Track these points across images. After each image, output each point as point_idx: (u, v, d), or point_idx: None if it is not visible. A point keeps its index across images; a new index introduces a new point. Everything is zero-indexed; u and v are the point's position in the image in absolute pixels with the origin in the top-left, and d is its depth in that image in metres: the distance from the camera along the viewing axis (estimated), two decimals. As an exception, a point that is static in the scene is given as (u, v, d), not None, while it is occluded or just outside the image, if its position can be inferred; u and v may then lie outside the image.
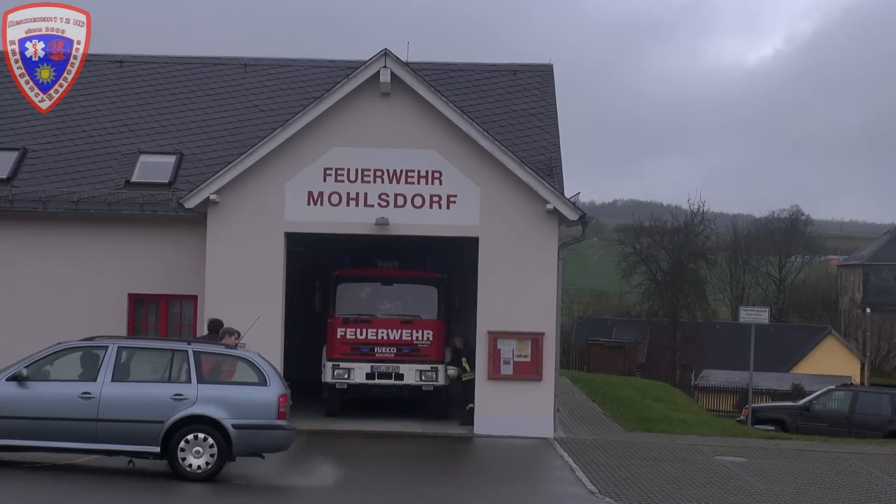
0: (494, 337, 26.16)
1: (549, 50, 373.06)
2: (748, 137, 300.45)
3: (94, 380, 17.83)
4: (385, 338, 27.42)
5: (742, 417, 37.25)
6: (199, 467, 17.69)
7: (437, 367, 27.40)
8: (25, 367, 17.96)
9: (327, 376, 27.29)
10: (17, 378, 17.81)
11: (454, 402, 28.13)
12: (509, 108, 32.04)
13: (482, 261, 26.30)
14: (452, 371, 27.28)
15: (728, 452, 25.65)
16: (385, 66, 26.01)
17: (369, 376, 27.30)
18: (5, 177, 28.67)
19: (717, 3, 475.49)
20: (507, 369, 26.13)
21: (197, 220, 26.81)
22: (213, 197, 26.06)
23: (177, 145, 30.11)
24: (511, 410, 25.86)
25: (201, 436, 17.71)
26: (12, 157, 29.29)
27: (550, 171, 28.67)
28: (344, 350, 27.38)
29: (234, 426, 17.75)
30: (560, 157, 30.02)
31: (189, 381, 17.96)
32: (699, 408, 44.08)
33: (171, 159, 29.46)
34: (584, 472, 21.30)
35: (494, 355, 26.14)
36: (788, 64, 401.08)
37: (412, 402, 28.20)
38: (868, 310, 76.26)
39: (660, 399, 37.65)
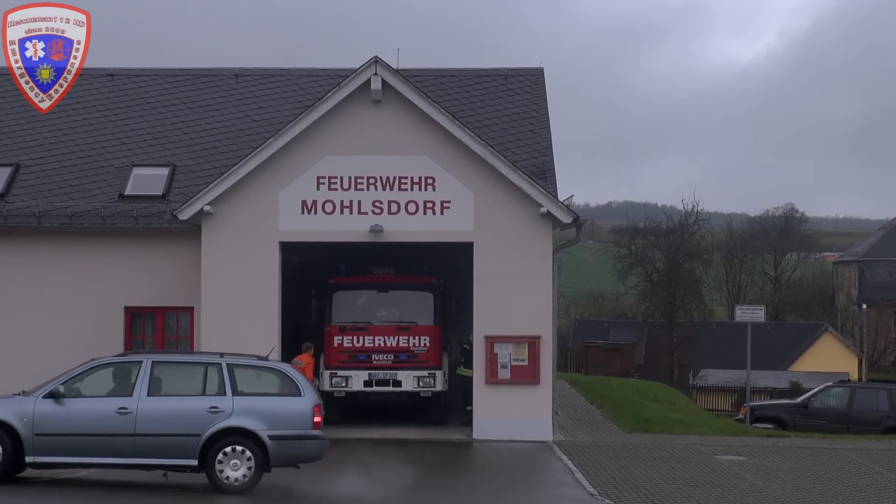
0: (491, 341, 26.18)
1: (543, 53, 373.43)
2: (741, 136, 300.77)
3: (131, 395, 17.94)
4: (382, 345, 27.46)
5: (740, 416, 37.28)
6: (237, 479, 17.75)
7: (434, 373, 27.43)
8: (62, 384, 18.02)
9: (325, 385, 27.29)
10: (53, 395, 17.90)
11: (453, 406, 28.18)
12: (501, 113, 32.09)
13: (477, 266, 26.33)
14: (467, 371, 27.23)
15: (727, 451, 25.69)
16: (376, 74, 26.06)
17: (367, 384, 27.32)
18: (-1, 193, 28.70)
19: (711, 4, 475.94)
20: (504, 373, 26.16)
21: (191, 231, 26.82)
22: (206, 208, 26.09)
23: (169, 157, 30.14)
24: (509, 414, 25.88)
25: (238, 448, 17.79)
26: (5, 172, 29.31)
27: (543, 174, 28.73)
28: (341, 358, 27.41)
29: (271, 437, 17.84)
30: (553, 161, 30.08)
31: (224, 393, 18.05)
32: (697, 408, 44.14)
33: (164, 171, 29.48)
34: (584, 474, 21.32)
35: (492, 360, 26.15)
36: (781, 60, 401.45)
37: (411, 409, 28.21)
38: (864, 306, 76.25)
39: (658, 400, 37.69)
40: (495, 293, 26.16)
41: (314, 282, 29.40)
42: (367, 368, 27.34)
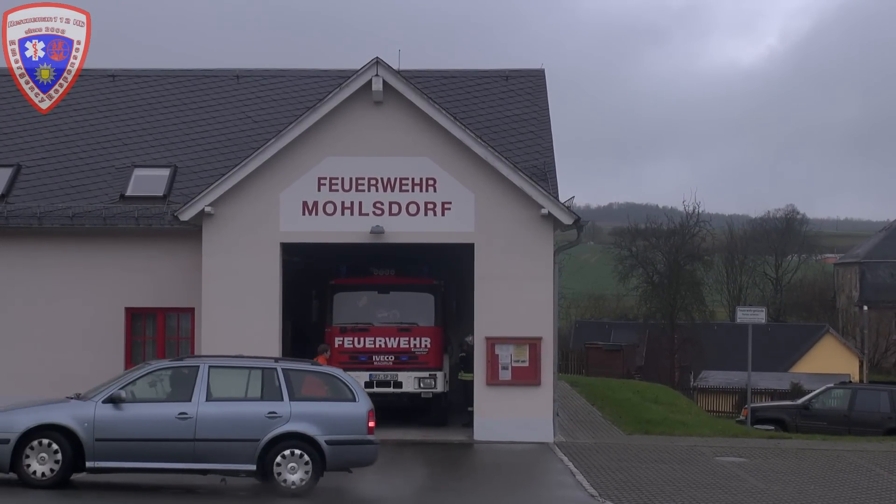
0: (492, 342, 26.18)
1: (544, 54, 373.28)
2: (743, 138, 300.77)
3: (190, 400, 17.95)
4: (383, 346, 27.45)
5: (741, 417, 37.28)
6: (301, 481, 17.89)
7: (435, 374, 27.42)
8: (121, 388, 17.99)
9: (326, 386, 27.24)
10: (114, 400, 17.88)
11: (453, 408, 28.17)
12: (502, 114, 32.08)
13: (478, 267, 26.32)
14: (468, 376, 27.24)
15: (728, 453, 25.67)
16: (377, 75, 26.04)
17: (368, 384, 27.21)
18: (0, 194, 28.68)
19: (713, 5, 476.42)
20: (505, 375, 26.15)
21: (192, 232, 26.82)
22: (207, 209, 26.08)
23: (171, 158, 30.14)
24: (510, 416, 25.87)
25: (296, 452, 17.91)
26: (7, 173, 29.31)
27: (544, 175, 28.72)
28: (342, 359, 27.36)
29: (328, 442, 18.00)
30: (554, 162, 30.07)
31: (281, 398, 18.14)
32: (698, 409, 44.13)
33: (166, 172, 29.48)
34: (585, 475, 21.31)
35: (492, 361, 26.15)
36: (783, 62, 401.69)
37: (411, 410, 28.19)
38: (865, 307, 76.10)
39: (659, 401, 37.68)
40: (496, 294, 26.15)
41: (315, 283, 29.37)
42: (367, 369, 27.31)
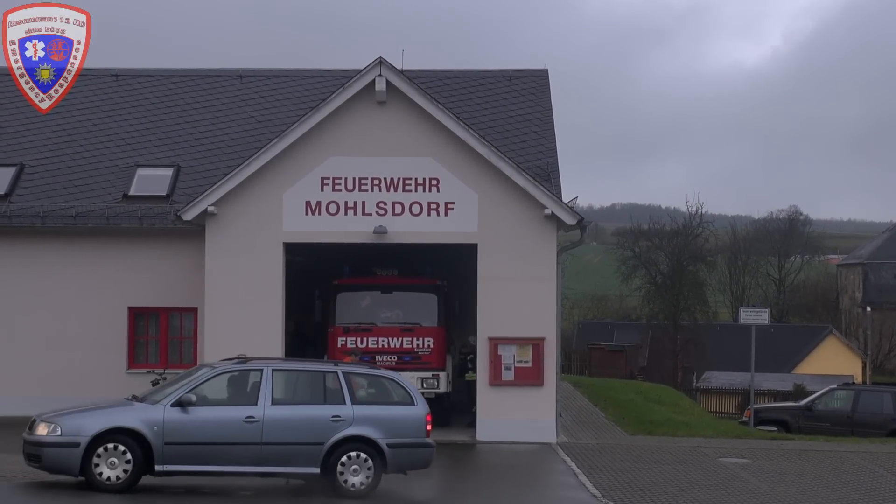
0: (495, 343, 26.16)
1: (548, 54, 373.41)
2: (746, 138, 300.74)
3: (255, 404, 17.96)
4: (385, 346, 27.42)
5: (744, 418, 37.23)
6: (359, 484, 18.04)
7: (438, 375, 27.39)
8: (188, 392, 17.92)
9: (329, 386, 27.19)
10: (182, 403, 17.80)
11: (457, 408, 28.15)
12: (505, 114, 32.07)
13: (481, 267, 26.30)
14: (474, 376, 27.25)
15: (731, 454, 25.65)
16: (380, 75, 26.02)
17: (371, 385, 27.23)
18: (3, 193, 28.72)
19: (716, 6, 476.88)
20: (508, 375, 26.14)
21: (195, 232, 26.81)
22: (210, 209, 26.06)
23: (174, 158, 30.14)
24: (513, 416, 25.86)
25: (356, 454, 18.04)
26: (9, 172, 29.33)
27: (548, 175, 28.71)
28: (345, 360, 27.34)
29: (388, 445, 18.16)
30: (557, 162, 30.07)
31: (343, 402, 18.25)
32: (701, 410, 44.08)
33: (169, 172, 29.49)
34: (588, 476, 21.31)
35: (495, 361, 26.14)
36: (786, 62, 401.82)
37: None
38: (868, 308, 76.04)
39: (662, 402, 37.63)
40: (499, 295, 26.12)
41: (318, 283, 29.36)
42: (370, 369, 27.27)
